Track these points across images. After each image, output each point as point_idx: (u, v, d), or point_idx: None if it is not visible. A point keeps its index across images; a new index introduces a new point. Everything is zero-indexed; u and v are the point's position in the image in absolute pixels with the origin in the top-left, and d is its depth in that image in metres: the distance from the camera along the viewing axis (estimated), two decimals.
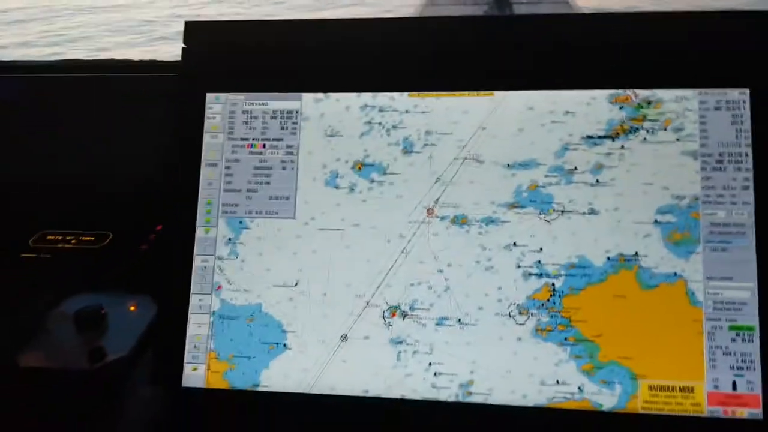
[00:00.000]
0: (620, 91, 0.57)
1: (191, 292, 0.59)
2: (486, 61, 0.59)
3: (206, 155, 0.61)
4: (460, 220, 0.57)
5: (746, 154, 0.54)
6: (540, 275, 0.55)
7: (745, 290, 0.53)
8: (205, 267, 0.59)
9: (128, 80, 0.89)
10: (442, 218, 0.57)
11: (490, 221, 0.56)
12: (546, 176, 0.56)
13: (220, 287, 0.59)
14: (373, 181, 0.59)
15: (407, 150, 0.59)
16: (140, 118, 0.87)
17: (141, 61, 0.93)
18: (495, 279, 0.56)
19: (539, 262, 0.55)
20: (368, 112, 0.60)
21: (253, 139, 0.61)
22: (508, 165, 0.57)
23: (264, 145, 0.61)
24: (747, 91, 0.55)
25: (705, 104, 0.55)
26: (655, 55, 0.57)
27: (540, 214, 0.56)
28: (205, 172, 0.61)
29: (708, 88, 0.56)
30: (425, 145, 0.59)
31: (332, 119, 0.60)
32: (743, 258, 0.53)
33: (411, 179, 0.58)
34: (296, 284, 0.58)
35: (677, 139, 0.55)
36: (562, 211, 0.56)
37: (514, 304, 0.55)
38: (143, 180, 0.75)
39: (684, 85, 0.56)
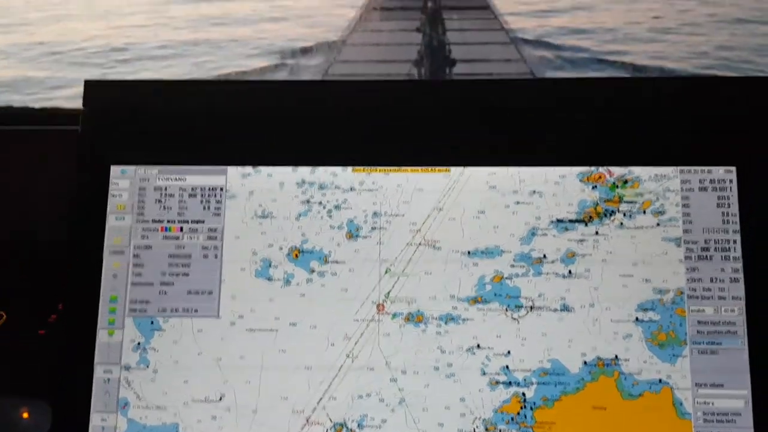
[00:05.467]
0: (592, 168, 0.51)
1: (92, 410, 0.50)
2: (440, 132, 0.53)
3: (110, 241, 0.52)
4: (415, 318, 0.50)
5: (734, 241, 0.49)
6: (508, 384, 0.49)
7: (738, 399, 0.48)
8: (108, 379, 0.50)
9: (27, 134, 0.78)
10: (395, 315, 0.50)
11: (449, 319, 0.50)
12: (512, 266, 0.50)
13: (127, 404, 0.49)
14: (312, 271, 0.51)
15: (353, 234, 0.51)
16: (45, 175, 0.77)
17: (44, 110, 0.83)
18: (457, 389, 0.49)
19: (507, 367, 0.49)
20: (306, 189, 0.52)
21: (168, 221, 0.52)
22: (469, 252, 0.51)
23: (181, 229, 0.52)
24: (733, 169, 0.50)
25: (688, 184, 0.50)
26: (630, 127, 0.52)
27: (506, 310, 0.50)
28: (108, 262, 0.52)
29: (690, 166, 0.50)
30: (373, 228, 0.51)
31: (263, 197, 0.52)
32: (735, 361, 0.48)
33: (357, 269, 0.51)
34: (221, 399, 0.49)
35: (658, 224, 0.50)
36: (531, 307, 0.49)
37: (480, 418, 0.48)
38: (45, 249, 0.65)
39: (664, 162, 0.51)
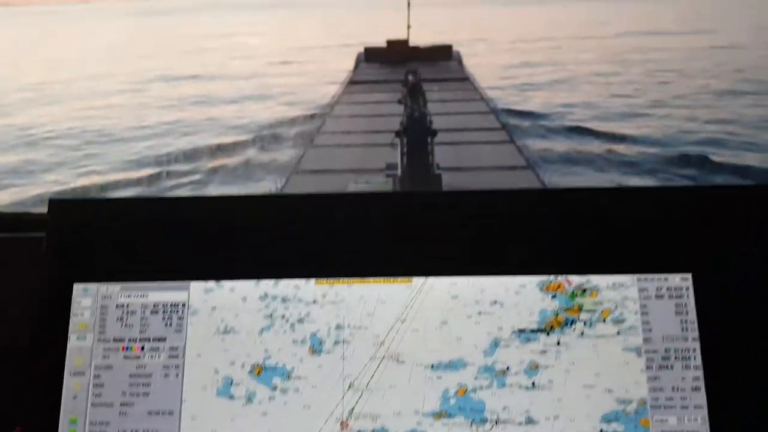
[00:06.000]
0: (551, 277, 0.53)
1: None
2: (401, 242, 0.55)
3: (71, 362, 0.53)
4: None
5: (694, 350, 0.51)
6: None
7: None
8: None
9: None
10: None
11: None
12: (476, 378, 0.51)
13: None
14: (275, 388, 0.52)
15: (315, 349, 0.52)
16: (10, 282, 0.77)
17: (13, 215, 0.84)
18: None
19: None
20: (269, 303, 0.53)
21: (130, 340, 0.53)
22: (433, 366, 0.51)
23: (142, 348, 0.53)
24: (689, 276, 0.52)
25: (645, 292, 0.52)
26: (587, 236, 0.54)
27: (471, 424, 0.50)
28: (69, 383, 0.52)
29: (647, 273, 0.52)
30: (336, 342, 0.52)
31: (226, 313, 0.53)
32: None
33: (320, 385, 0.52)
34: None
35: (618, 333, 0.51)
36: (497, 421, 0.50)
37: None
38: (8, 359, 0.65)
39: (621, 270, 0.53)
